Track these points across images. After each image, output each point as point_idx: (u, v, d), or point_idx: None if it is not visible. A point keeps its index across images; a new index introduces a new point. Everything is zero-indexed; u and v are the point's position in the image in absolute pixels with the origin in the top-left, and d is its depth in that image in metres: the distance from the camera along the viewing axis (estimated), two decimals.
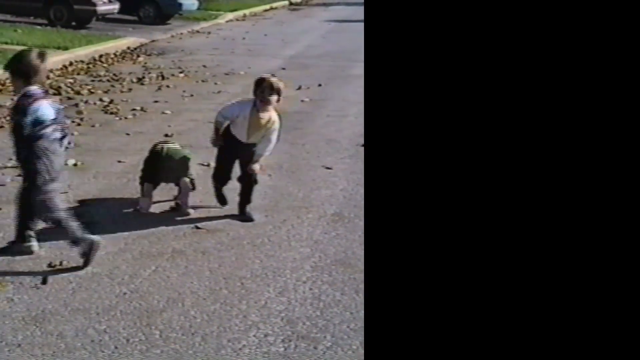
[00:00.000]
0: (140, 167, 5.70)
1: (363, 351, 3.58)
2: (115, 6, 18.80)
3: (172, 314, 3.95)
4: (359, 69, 11.44)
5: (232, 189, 5.63)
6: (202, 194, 5.79)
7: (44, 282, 4.21)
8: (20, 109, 4.27)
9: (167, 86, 11.02)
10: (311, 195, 6.10)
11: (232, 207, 5.59)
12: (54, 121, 4.36)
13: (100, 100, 9.67)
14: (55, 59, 12.68)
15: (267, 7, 28.99)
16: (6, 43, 13.52)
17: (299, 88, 11.01)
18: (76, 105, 9.28)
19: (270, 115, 5.28)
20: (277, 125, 5.32)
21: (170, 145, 5.70)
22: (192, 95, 10.31)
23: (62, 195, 4.52)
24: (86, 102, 9.53)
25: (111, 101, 9.59)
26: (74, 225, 4.44)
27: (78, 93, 10.08)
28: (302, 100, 10.15)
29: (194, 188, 5.58)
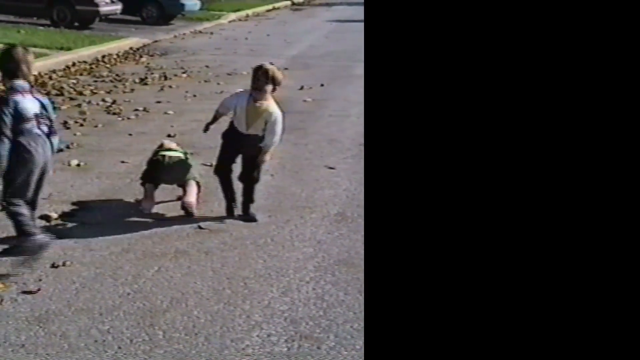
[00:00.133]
0: (143, 168, 5.70)
1: None
2: (118, 7, 18.82)
3: (176, 314, 3.96)
4: (361, 69, 11.41)
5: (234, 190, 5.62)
6: (206, 194, 5.79)
7: None
8: (2, 102, 4.27)
9: (170, 86, 11.03)
10: (314, 195, 6.10)
11: (236, 207, 5.58)
12: (37, 116, 4.33)
13: (103, 100, 9.68)
14: (58, 60, 12.71)
15: (270, 7, 29.01)
16: (9, 44, 13.52)
17: (302, 88, 11.02)
18: (79, 105, 9.30)
19: (268, 104, 5.21)
20: (276, 114, 5.23)
21: (173, 154, 5.63)
22: (194, 96, 10.32)
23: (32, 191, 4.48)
24: (89, 102, 9.54)
25: (114, 101, 9.60)
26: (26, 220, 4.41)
27: (81, 93, 10.10)
28: (305, 100, 10.15)
29: (199, 190, 5.58)
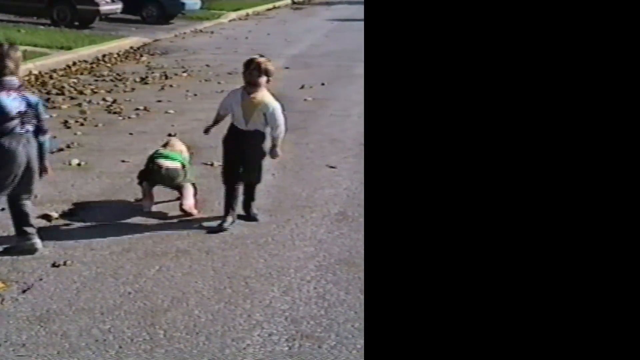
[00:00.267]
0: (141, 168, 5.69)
1: None
2: (118, 6, 18.82)
3: (176, 314, 3.95)
4: (362, 69, 11.40)
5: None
6: (206, 194, 5.79)
7: None
8: None
9: (171, 86, 11.03)
10: (315, 195, 6.09)
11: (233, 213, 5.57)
12: (22, 114, 4.31)
13: (104, 100, 9.68)
14: (58, 59, 12.72)
15: (270, 6, 28.99)
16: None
17: (302, 87, 11.02)
18: (79, 105, 9.30)
19: (262, 95, 5.18)
20: (273, 105, 5.20)
21: (170, 165, 5.50)
22: (195, 95, 10.32)
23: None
24: (89, 101, 9.54)
25: (114, 101, 9.60)
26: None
27: (81, 93, 10.10)
28: (306, 100, 10.14)
29: (196, 191, 5.57)
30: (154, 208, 5.52)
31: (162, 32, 18.37)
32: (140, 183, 5.58)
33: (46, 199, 5.65)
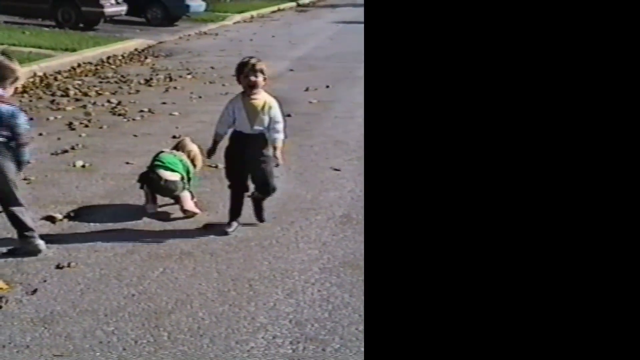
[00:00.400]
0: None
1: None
2: (123, 8, 18.86)
3: (180, 316, 3.95)
4: None
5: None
6: (210, 195, 5.78)
7: None
8: None
9: (175, 88, 11.04)
10: (319, 197, 6.09)
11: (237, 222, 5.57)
12: None
13: (108, 101, 9.70)
14: (63, 61, 12.74)
15: (275, 8, 29.04)
16: (14, 45, 13.57)
17: (307, 89, 11.02)
18: (84, 106, 9.31)
19: (264, 96, 5.14)
20: (274, 106, 5.16)
21: (170, 177, 5.46)
22: (199, 97, 10.33)
23: None
24: (94, 103, 9.56)
25: (119, 103, 9.62)
26: None
27: (86, 94, 10.12)
28: (310, 102, 10.14)
29: (192, 196, 5.58)
30: (158, 210, 5.52)
31: (166, 34, 18.40)
32: (141, 187, 5.58)
33: (50, 201, 5.66)
